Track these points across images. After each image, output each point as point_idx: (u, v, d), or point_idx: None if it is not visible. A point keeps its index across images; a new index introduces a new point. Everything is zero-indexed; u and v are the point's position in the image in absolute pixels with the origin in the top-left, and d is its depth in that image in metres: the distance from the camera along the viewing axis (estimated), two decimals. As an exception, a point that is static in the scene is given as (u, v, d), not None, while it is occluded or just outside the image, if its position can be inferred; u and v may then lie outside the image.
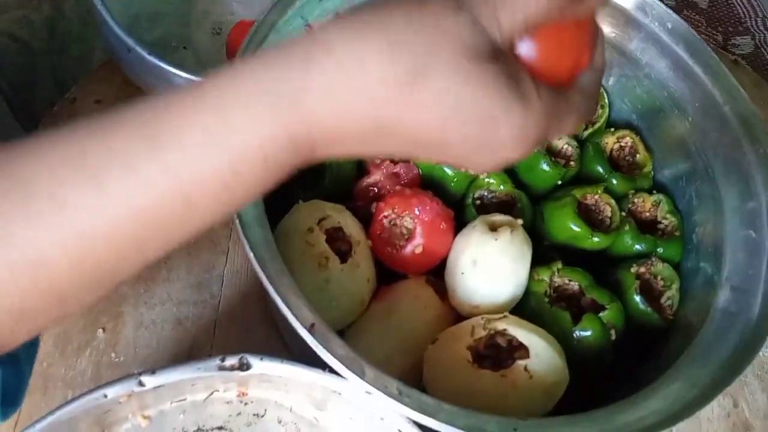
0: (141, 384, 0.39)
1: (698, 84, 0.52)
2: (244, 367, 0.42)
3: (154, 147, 0.24)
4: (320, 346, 0.35)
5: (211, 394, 0.45)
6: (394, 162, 0.52)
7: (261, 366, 0.42)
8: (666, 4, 0.55)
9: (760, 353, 0.64)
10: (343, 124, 0.26)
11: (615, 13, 0.55)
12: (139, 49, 0.56)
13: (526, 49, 0.28)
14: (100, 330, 0.52)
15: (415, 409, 0.35)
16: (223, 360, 0.41)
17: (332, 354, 0.35)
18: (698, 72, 0.52)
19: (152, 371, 0.40)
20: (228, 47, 0.66)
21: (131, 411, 0.42)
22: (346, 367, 0.35)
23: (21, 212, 0.24)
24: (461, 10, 0.26)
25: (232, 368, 0.41)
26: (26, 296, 0.25)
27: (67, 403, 0.37)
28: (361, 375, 0.35)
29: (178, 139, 0.24)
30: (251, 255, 0.36)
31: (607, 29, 0.56)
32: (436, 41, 0.26)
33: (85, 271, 0.25)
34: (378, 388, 0.35)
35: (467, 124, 0.27)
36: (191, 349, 0.53)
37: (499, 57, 0.27)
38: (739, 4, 1.63)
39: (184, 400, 0.44)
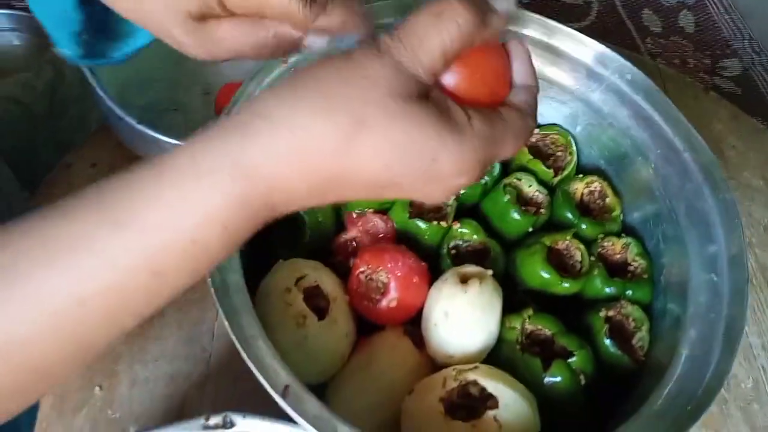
0: (129, 446, 0.42)
1: (658, 132, 0.55)
2: (228, 425, 0.44)
3: (117, 228, 0.26)
4: (291, 410, 0.37)
5: (201, 449, 0.47)
6: (370, 218, 0.54)
7: (244, 423, 0.44)
8: (653, 31, 0.58)
9: (742, 385, 0.65)
10: (293, 183, 0.29)
11: (577, 67, 0.58)
12: (128, 118, 0.59)
13: (449, 79, 0.31)
14: (97, 388, 0.55)
15: (384, 466, 0.37)
16: (207, 419, 0.44)
17: (303, 416, 0.37)
18: (658, 120, 0.55)
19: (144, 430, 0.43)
20: (216, 108, 0.69)
21: (124, 469, 0.45)
22: (317, 428, 0.37)
23: None
24: (384, 58, 0.29)
25: (216, 427, 0.44)
26: (7, 374, 0.27)
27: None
28: (332, 434, 0.37)
29: (138, 218, 0.26)
30: (227, 323, 0.39)
31: (570, 82, 0.58)
32: (367, 90, 0.28)
33: (61, 347, 0.27)
34: (348, 447, 0.37)
35: (409, 161, 0.29)
36: (183, 403, 0.56)
37: (427, 93, 0.30)
38: (726, 28, 1.66)
39: (175, 456, 0.46)
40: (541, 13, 0.56)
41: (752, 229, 0.77)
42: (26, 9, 1.10)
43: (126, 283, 0.27)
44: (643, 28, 1.53)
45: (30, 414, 0.53)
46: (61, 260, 0.26)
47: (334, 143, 0.28)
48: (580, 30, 0.55)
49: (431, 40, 0.29)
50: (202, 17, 0.35)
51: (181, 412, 0.55)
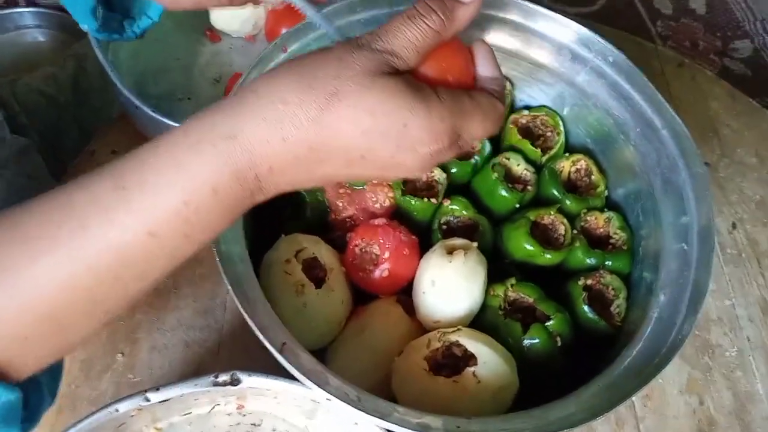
0: (147, 399, 0.47)
1: (638, 111, 0.58)
2: (235, 382, 0.48)
3: (123, 194, 0.31)
4: (287, 362, 0.42)
5: (214, 407, 0.51)
6: (365, 195, 0.58)
7: (249, 381, 0.48)
8: (664, 13, 0.60)
9: (727, 353, 0.68)
10: (277, 151, 0.32)
11: (561, 50, 0.61)
12: (144, 107, 0.64)
13: (418, 72, 0.36)
14: (119, 354, 0.60)
15: (370, 413, 0.41)
16: (216, 377, 0.49)
17: (299, 369, 0.42)
18: (638, 100, 0.58)
19: (156, 388, 0.48)
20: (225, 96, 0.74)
21: (145, 423, 0.50)
22: (310, 379, 0.41)
23: (22, 253, 0.31)
24: (361, 47, 0.34)
25: (224, 383, 0.48)
26: (30, 325, 0.31)
27: (85, 417, 0.45)
28: (324, 385, 0.42)
29: (139, 185, 0.31)
30: (229, 287, 0.44)
31: (555, 65, 0.62)
32: (340, 70, 0.33)
33: (77, 301, 0.32)
34: (338, 396, 0.41)
35: (382, 126, 0.33)
36: (198, 368, 0.61)
37: (398, 73, 0.34)
38: (737, 9, 1.66)
39: (190, 413, 0.51)
40: (551, -1, 0.59)
41: (743, 206, 0.79)
42: (50, 6, 1.16)
43: (130, 244, 0.31)
44: (654, 11, 1.54)
45: (52, 378, 0.57)
46: (81, 221, 0.30)
47: (311, 113, 0.32)
48: (589, 14, 0.58)
49: (406, 36, 0.34)
50: None
51: (196, 376, 0.60)
